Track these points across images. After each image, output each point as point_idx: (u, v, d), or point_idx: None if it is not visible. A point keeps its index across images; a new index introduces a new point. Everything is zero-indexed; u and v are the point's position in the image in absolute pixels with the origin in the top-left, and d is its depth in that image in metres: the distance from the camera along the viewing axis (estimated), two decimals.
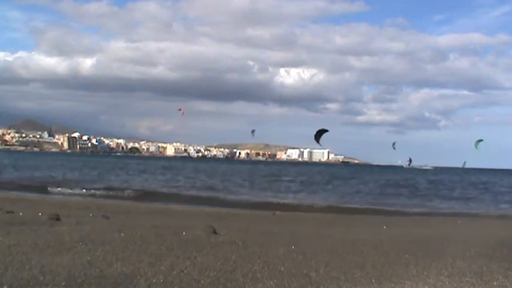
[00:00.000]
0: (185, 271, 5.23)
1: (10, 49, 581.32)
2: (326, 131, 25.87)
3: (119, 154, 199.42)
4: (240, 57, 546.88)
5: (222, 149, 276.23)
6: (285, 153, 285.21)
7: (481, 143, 31.40)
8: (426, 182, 50.00)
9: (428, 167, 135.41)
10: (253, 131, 43.42)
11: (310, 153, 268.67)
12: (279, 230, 9.83)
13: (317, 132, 25.50)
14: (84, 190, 24.59)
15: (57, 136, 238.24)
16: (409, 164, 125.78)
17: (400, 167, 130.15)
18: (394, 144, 53.50)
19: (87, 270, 4.99)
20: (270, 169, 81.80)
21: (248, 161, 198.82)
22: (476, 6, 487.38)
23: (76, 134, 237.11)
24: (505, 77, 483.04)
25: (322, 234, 9.15)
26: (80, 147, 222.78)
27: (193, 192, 27.24)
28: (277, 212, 17.14)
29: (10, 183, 27.33)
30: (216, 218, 12.80)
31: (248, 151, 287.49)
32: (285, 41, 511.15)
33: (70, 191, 24.28)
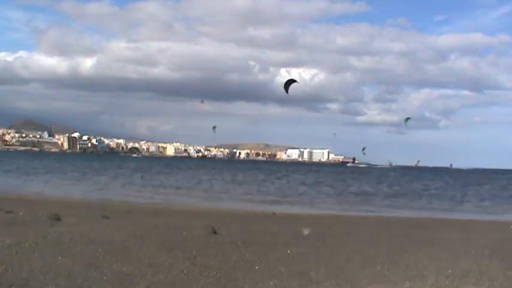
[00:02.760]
0: (185, 271, 5.23)
1: (11, 49, 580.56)
2: (295, 81, 25.12)
3: (134, 155, 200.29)
4: (241, 57, 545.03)
5: (222, 149, 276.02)
6: (285, 153, 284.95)
7: (409, 120, 32.46)
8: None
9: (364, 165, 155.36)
10: (214, 127, 43.58)
11: (310, 153, 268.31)
12: (279, 230, 9.82)
13: (286, 81, 24.65)
14: None
15: (57, 136, 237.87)
16: (352, 162, 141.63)
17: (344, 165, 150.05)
18: (363, 149, 54.65)
19: (87, 270, 4.99)
20: None
21: (248, 161, 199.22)
22: (477, 7, 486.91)
23: (76, 134, 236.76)
24: (505, 77, 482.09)
25: (322, 234, 9.14)
26: (80, 147, 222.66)
27: None
28: (277, 212, 17.14)
29: None
30: (216, 218, 12.79)
31: (248, 151, 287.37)
32: (286, 41, 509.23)
33: None
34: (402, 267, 6.02)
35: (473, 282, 5.43)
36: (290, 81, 23.70)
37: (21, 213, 9.82)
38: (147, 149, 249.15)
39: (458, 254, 7.02)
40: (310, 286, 5.03)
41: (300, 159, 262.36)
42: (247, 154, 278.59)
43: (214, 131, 43.55)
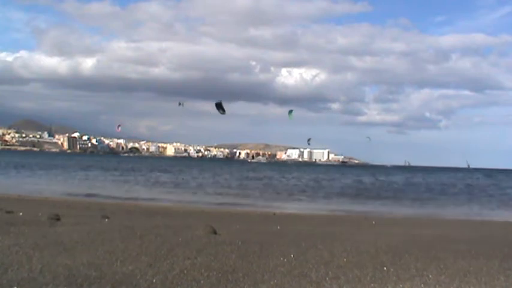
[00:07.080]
0: (185, 271, 5.23)
1: (11, 49, 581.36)
2: (219, 103, 25.28)
3: (144, 155, 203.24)
4: (242, 57, 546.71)
5: (222, 149, 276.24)
6: (285, 153, 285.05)
7: (293, 112, 34.53)
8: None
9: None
10: (180, 104, 44.00)
11: (310, 153, 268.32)
12: (279, 230, 9.82)
13: (216, 105, 24.91)
14: None
15: (57, 136, 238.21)
16: (252, 159, 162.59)
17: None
18: (309, 140, 54.54)
19: (87, 270, 4.99)
20: None
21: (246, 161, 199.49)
22: (478, 8, 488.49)
23: (76, 134, 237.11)
24: (506, 77, 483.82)
25: (322, 234, 9.14)
26: (80, 147, 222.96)
27: None
28: (277, 212, 17.16)
29: None
30: (216, 218, 12.80)
31: (248, 151, 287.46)
32: (287, 41, 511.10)
33: None
34: (402, 267, 6.02)
35: (473, 282, 5.43)
36: (218, 104, 24.14)
37: (21, 213, 9.82)
38: (147, 149, 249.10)
39: (458, 254, 7.02)
40: (310, 286, 5.03)
41: (300, 159, 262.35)
42: (247, 154, 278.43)
43: (179, 105, 43.94)
